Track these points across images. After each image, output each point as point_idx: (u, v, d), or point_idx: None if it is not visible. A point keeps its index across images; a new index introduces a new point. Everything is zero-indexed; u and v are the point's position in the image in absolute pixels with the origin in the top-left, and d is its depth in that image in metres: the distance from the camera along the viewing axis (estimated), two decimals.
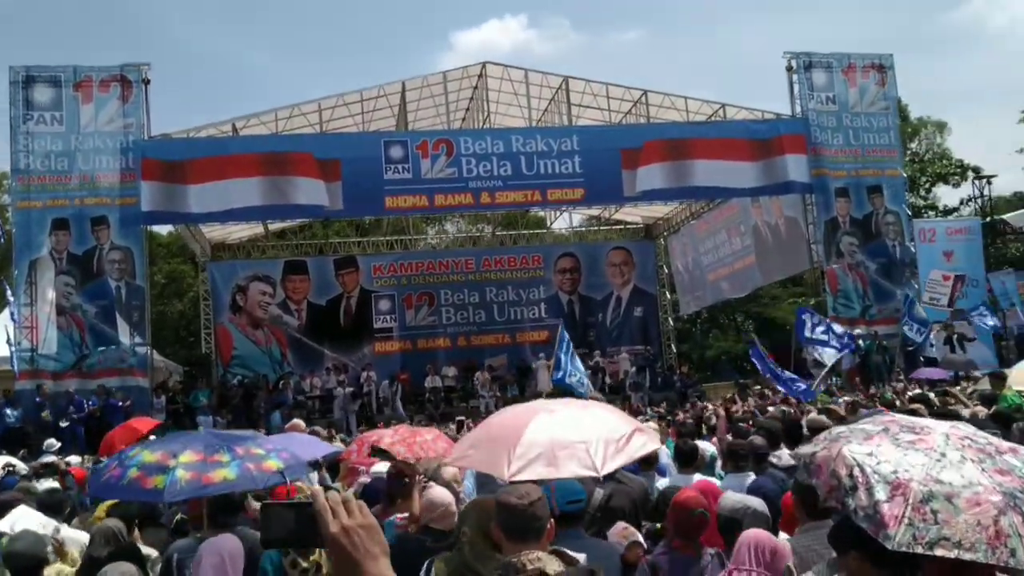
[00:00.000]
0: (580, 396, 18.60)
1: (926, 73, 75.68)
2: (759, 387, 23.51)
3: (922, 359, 21.63)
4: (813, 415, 9.58)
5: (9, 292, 21.16)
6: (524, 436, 4.74)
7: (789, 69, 24.24)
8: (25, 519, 5.80)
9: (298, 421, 13.76)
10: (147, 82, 21.86)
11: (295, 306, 28.78)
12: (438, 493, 5.84)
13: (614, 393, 25.55)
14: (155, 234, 31.07)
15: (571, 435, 4.70)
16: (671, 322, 32.87)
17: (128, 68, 21.83)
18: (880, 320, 23.46)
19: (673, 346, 32.55)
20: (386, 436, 7.86)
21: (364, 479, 7.65)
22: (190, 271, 37.05)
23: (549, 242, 33.52)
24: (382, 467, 7.74)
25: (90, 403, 20.14)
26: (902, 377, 19.67)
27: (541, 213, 37.48)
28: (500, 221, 34.64)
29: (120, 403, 20.19)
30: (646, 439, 4.82)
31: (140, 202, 21.02)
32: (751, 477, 6.77)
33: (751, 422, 10.16)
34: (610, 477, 5.66)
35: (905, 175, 25.79)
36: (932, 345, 22.05)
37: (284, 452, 5.98)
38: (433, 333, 29.78)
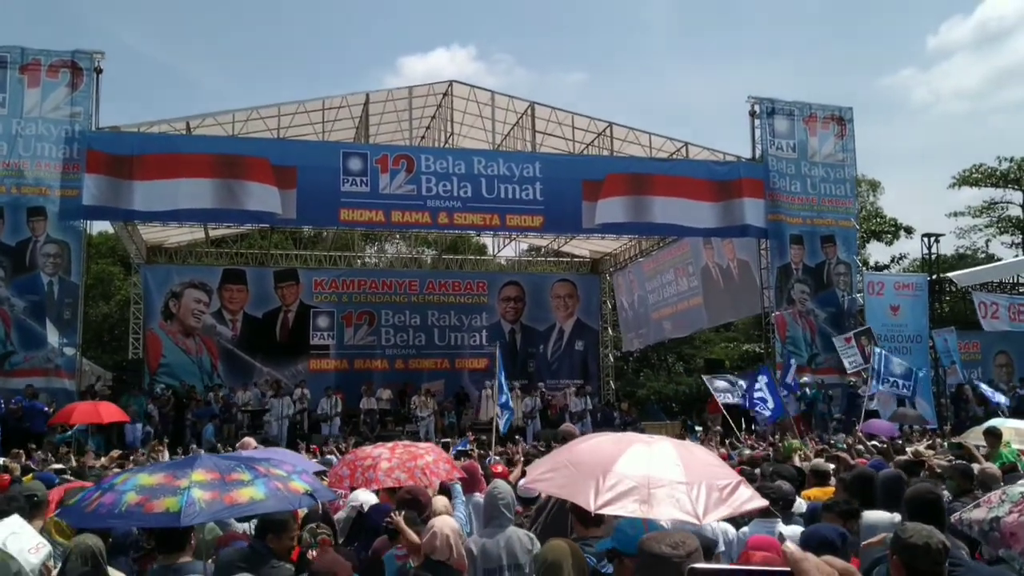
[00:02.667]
0: (507, 421, 18.14)
1: (861, 134, 77.98)
2: (701, 428, 23.51)
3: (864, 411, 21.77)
4: (818, 461, 9.30)
5: None
6: (616, 466, 4.28)
7: (752, 114, 24.44)
8: (21, 535, 5.09)
9: (249, 439, 12.92)
10: (99, 71, 20.90)
11: (230, 316, 27.75)
12: (440, 521, 5.34)
13: (552, 426, 25.12)
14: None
15: (671, 474, 4.24)
16: (611, 358, 32.70)
17: (80, 55, 20.85)
18: (826, 369, 23.63)
19: (612, 382, 32.36)
20: (383, 459, 7.24)
21: (356, 503, 7.07)
22: (119, 273, 35.66)
23: (494, 269, 33.14)
24: (361, 495, 7.20)
25: (12, 402, 18.90)
26: (858, 428, 19.72)
27: (483, 241, 37.23)
28: (444, 245, 34.14)
29: (44, 407, 18.98)
30: (752, 493, 4.37)
31: (82, 195, 19.96)
32: (778, 524, 6.40)
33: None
34: None
35: (858, 227, 26.14)
36: (871, 398, 22.23)
37: (304, 474, 5.41)
38: (371, 354, 29.03)
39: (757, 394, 17.87)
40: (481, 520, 6.33)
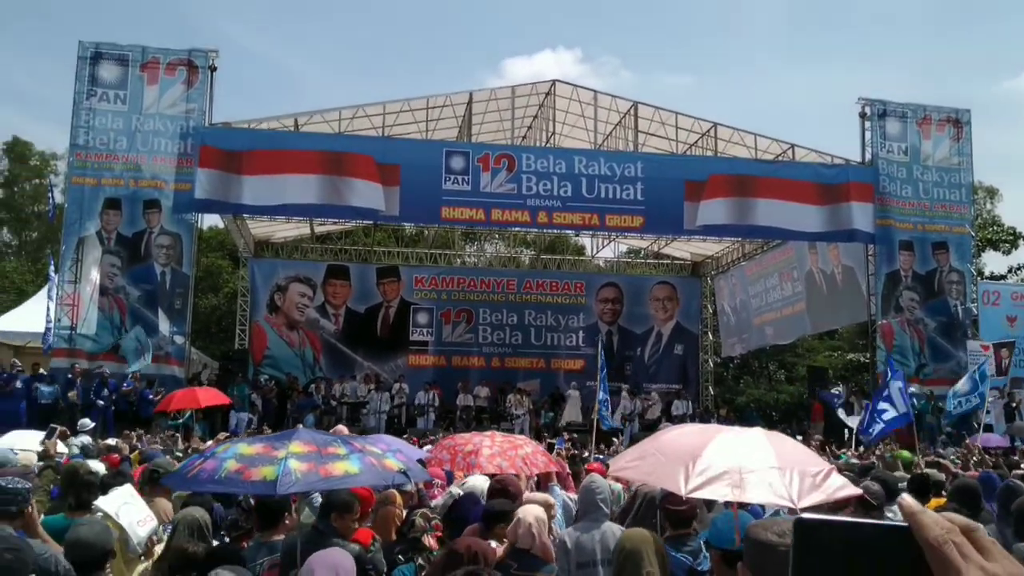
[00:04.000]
0: (602, 419, 18.04)
1: (978, 139, 74.87)
2: (801, 438, 22.84)
3: (976, 424, 20.87)
4: (931, 471, 8.93)
5: (52, 268, 20.79)
6: (706, 452, 4.19)
7: (862, 115, 23.71)
8: (132, 506, 5.26)
9: (341, 427, 13.14)
10: (213, 69, 21.61)
11: (333, 311, 28.31)
12: (525, 509, 5.27)
13: (649, 430, 24.85)
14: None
15: (762, 460, 4.14)
16: (711, 363, 32.18)
17: (196, 53, 21.59)
18: (935, 380, 22.71)
19: (711, 388, 31.83)
20: (484, 447, 7.24)
21: (455, 489, 7.06)
22: (227, 266, 36.75)
23: (592, 270, 32.99)
24: (477, 480, 7.15)
25: (125, 384, 19.68)
26: (970, 440, 18.92)
27: (582, 241, 37.10)
28: (543, 245, 34.16)
29: (151, 394, 19.68)
30: (845, 481, 4.24)
31: (194, 188, 20.62)
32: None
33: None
34: None
35: (973, 234, 25.09)
36: (988, 412, 21.30)
37: (399, 453, 5.43)
38: (468, 351, 29.23)
39: (881, 404, 16.80)
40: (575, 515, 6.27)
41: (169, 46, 21.69)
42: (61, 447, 11.26)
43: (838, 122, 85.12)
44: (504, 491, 6.20)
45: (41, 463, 8.83)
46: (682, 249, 31.67)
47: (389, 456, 5.24)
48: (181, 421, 18.70)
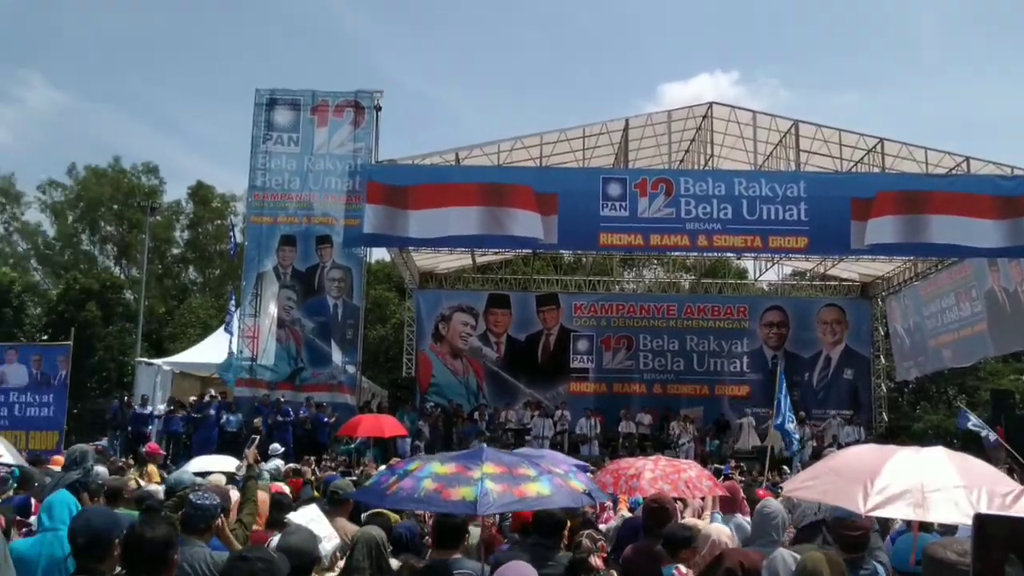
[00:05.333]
0: (790, 443, 17.62)
1: None
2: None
3: None
4: None
5: (233, 302, 22.16)
6: (885, 470, 4.10)
7: None
8: (319, 522, 5.59)
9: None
10: (379, 108, 22.60)
11: (495, 339, 28.81)
12: (717, 529, 5.24)
13: (814, 458, 23.98)
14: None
15: (946, 478, 4.00)
16: (884, 388, 30.80)
17: (362, 94, 22.64)
18: None
19: (884, 414, 30.45)
20: (646, 470, 7.26)
21: (624, 513, 7.12)
22: (394, 298, 38.08)
23: (756, 294, 32.27)
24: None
25: (302, 412, 20.69)
26: None
27: (744, 264, 36.36)
28: (703, 270, 33.71)
29: (327, 419, 20.62)
30: None
31: (363, 224, 21.54)
32: None
33: None
34: None
35: None
36: None
37: (579, 473, 5.55)
38: (629, 377, 29.07)
39: None
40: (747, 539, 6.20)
41: (337, 89, 22.86)
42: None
43: (1018, 132, 79.97)
44: (662, 510, 6.19)
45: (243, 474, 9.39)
46: (850, 270, 30.56)
47: (571, 476, 5.36)
48: (352, 447, 19.55)
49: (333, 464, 15.70)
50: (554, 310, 29.13)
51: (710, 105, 24.65)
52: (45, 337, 37.30)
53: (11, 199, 48.95)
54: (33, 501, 6.85)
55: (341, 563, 5.83)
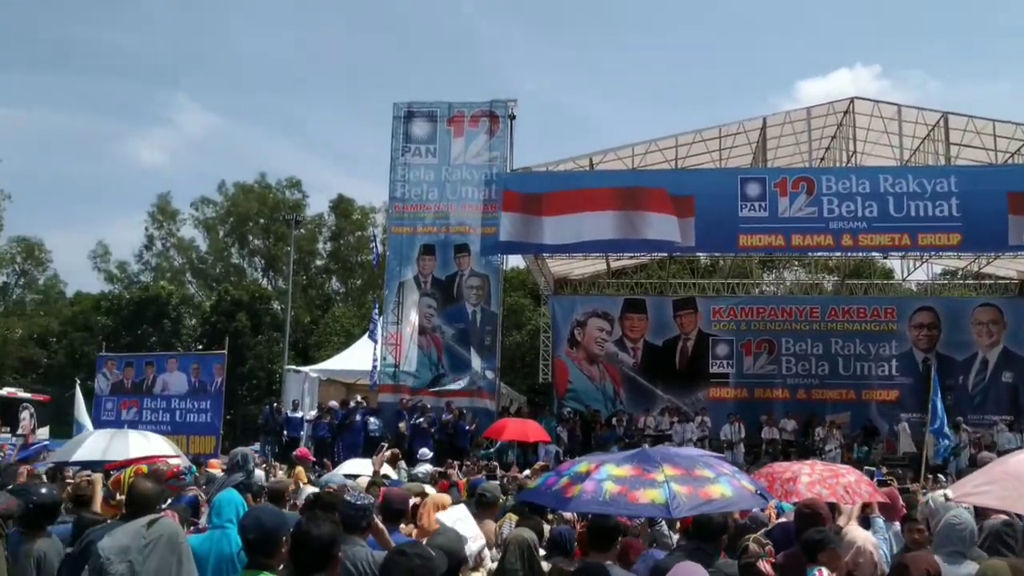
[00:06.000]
0: (944, 449, 16.82)
1: None
2: None
3: None
4: None
5: (377, 311, 22.79)
6: None
7: None
8: (466, 522, 5.69)
9: None
10: (513, 117, 22.86)
11: (632, 344, 28.56)
12: (864, 535, 5.03)
13: (972, 465, 22.79)
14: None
15: None
16: None
17: (496, 104, 22.94)
18: None
19: None
20: (803, 474, 7.06)
21: (784, 520, 6.92)
22: (529, 305, 38.36)
23: (904, 294, 30.95)
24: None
25: (442, 416, 21.08)
26: None
27: (891, 264, 34.96)
28: (847, 270, 32.58)
29: (468, 426, 20.93)
30: None
31: (499, 232, 21.80)
32: None
33: None
34: None
35: None
36: None
37: (745, 475, 5.46)
38: (771, 383, 28.27)
39: None
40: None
41: (472, 99, 23.25)
42: (391, 472, 12.29)
43: None
44: (815, 515, 6.01)
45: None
46: (1007, 267, 28.94)
47: (740, 477, 5.29)
48: (492, 451, 19.78)
49: (475, 468, 15.93)
50: (692, 314, 28.65)
51: (852, 100, 23.86)
52: (200, 346, 39.30)
53: (167, 217, 51.75)
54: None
55: (491, 564, 5.91)
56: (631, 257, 28.51)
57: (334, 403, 21.89)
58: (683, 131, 23.80)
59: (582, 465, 5.39)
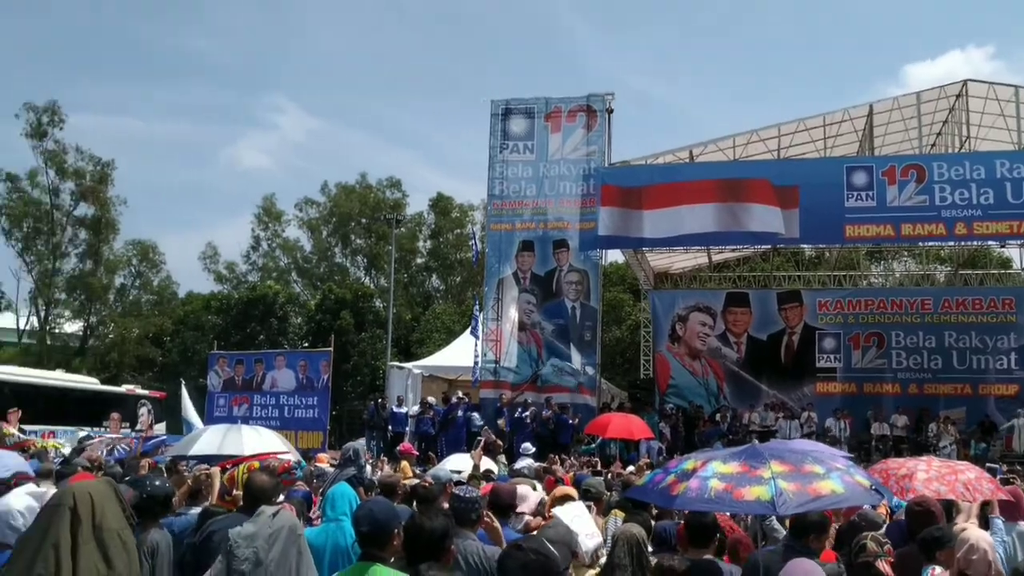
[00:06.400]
0: None
1: None
2: None
3: None
4: None
5: (477, 307, 22.96)
6: None
7: None
8: (583, 519, 5.68)
9: None
10: (610, 111, 22.73)
11: (735, 339, 28.07)
12: (978, 534, 4.81)
13: None
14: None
15: None
16: None
17: (594, 98, 22.84)
18: None
19: None
20: (919, 471, 6.81)
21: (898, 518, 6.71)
22: (628, 300, 38.09)
23: (1022, 284, 29.62)
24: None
25: (544, 412, 21.10)
26: None
27: (1008, 253, 33.50)
28: (960, 260, 31.35)
29: (570, 420, 20.91)
30: None
31: (598, 226, 21.71)
32: None
33: None
34: None
35: None
36: None
37: (859, 469, 5.30)
38: (880, 377, 27.39)
39: None
40: None
41: (568, 95, 23.20)
42: (491, 466, 12.37)
43: None
44: (928, 513, 5.81)
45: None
46: None
47: (852, 472, 5.15)
48: (594, 447, 19.72)
49: (578, 464, 15.89)
50: (797, 307, 27.99)
51: (964, 83, 22.94)
52: (306, 344, 40.28)
53: (273, 218, 53.16)
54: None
55: (603, 558, 5.88)
56: (733, 250, 28.07)
57: (431, 399, 22.17)
58: (786, 120, 23.29)
59: (689, 463, 5.32)
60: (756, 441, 6.56)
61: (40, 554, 2.77)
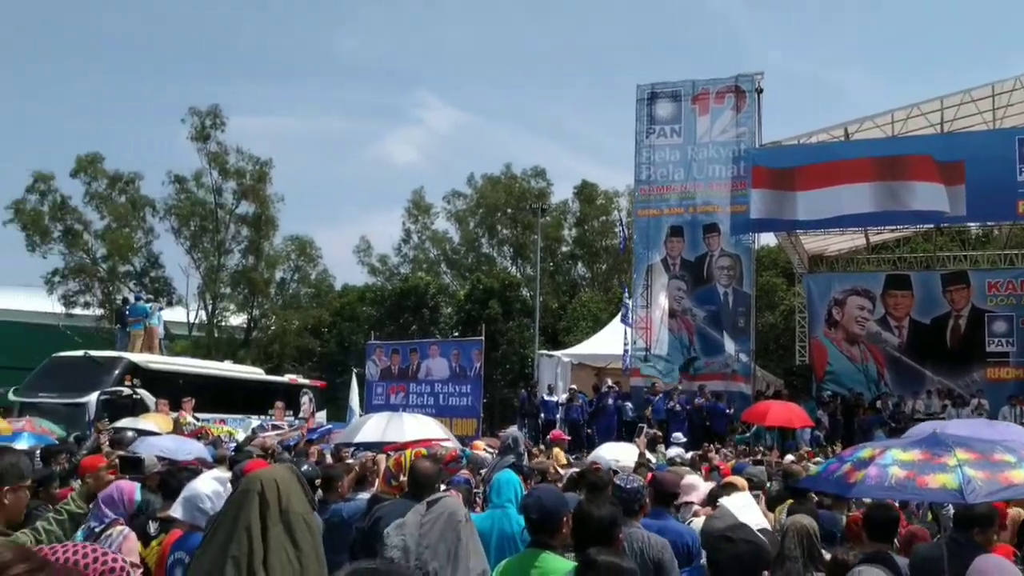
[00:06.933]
0: None
1: None
2: None
3: None
4: None
5: (627, 295, 22.82)
6: None
7: None
8: (748, 509, 5.58)
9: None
10: (760, 91, 22.14)
11: (896, 323, 26.86)
12: None
13: None
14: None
15: None
16: None
17: (742, 78, 22.30)
18: None
19: None
20: None
21: None
22: (781, 284, 37.03)
23: None
24: None
25: (696, 400, 20.81)
26: None
27: None
28: None
29: (726, 408, 20.56)
30: None
31: (749, 210, 21.19)
32: None
33: None
34: None
35: None
36: None
37: None
38: None
39: None
40: None
41: (715, 76, 22.70)
42: (650, 456, 12.29)
43: None
44: None
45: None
46: None
47: None
48: (748, 435, 19.31)
49: (734, 452, 15.62)
50: (963, 289, 26.52)
51: None
52: (456, 333, 41.00)
53: (422, 211, 54.28)
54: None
55: None
56: (893, 230, 26.84)
57: (574, 387, 22.19)
58: (949, 92, 22.05)
59: (866, 451, 5.12)
60: (936, 429, 6.19)
61: (234, 537, 2.92)
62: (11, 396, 19.05)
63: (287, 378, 26.79)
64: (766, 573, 3.64)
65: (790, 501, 6.52)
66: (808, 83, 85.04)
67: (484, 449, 11.82)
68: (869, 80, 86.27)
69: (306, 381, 27.80)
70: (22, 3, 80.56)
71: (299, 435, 13.32)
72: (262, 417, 20.99)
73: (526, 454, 9.50)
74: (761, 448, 16.73)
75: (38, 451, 8.76)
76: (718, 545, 3.72)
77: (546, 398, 22.11)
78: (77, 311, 42.84)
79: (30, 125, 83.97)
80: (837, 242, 28.10)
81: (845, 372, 27.00)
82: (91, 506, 4.43)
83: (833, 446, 19.10)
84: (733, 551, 3.59)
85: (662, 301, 22.40)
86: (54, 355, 21.12)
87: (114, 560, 2.86)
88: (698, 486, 6.48)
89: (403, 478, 6.11)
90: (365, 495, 6.54)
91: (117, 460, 3.95)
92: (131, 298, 25.66)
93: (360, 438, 9.80)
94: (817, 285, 27.83)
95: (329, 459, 9.70)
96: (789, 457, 13.31)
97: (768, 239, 29.96)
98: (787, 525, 5.35)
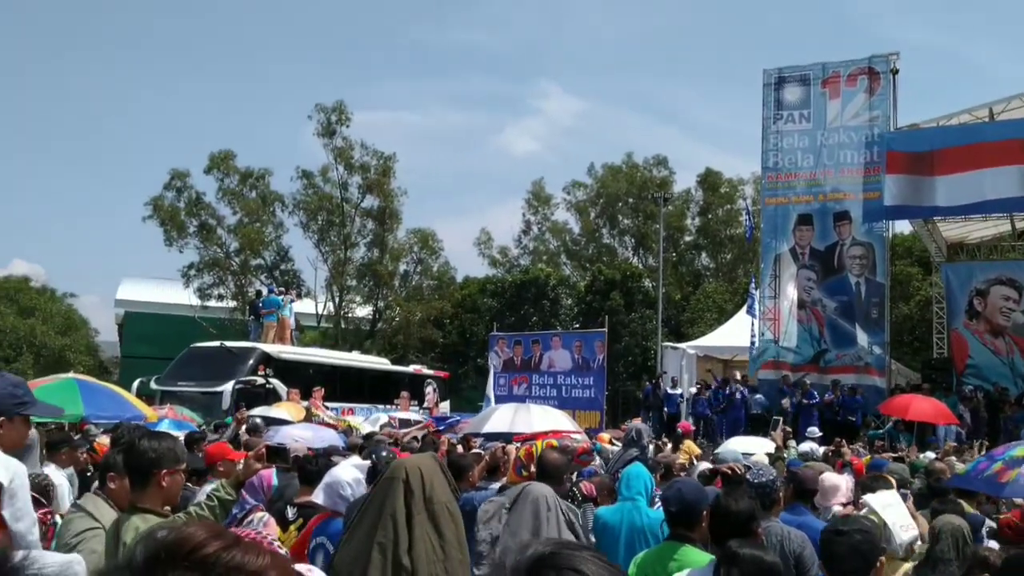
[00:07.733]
0: None
1: None
2: None
3: None
4: None
5: (753, 285, 22.26)
6: None
7: None
8: (896, 508, 5.33)
9: None
10: (895, 72, 21.22)
11: None
12: None
13: None
14: None
15: None
16: None
17: (876, 59, 21.43)
18: None
19: None
20: None
21: None
22: (916, 273, 35.54)
23: None
24: None
25: (827, 395, 20.17)
26: None
27: None
28: None
29: (860, 399, 19.86)
30: None
31: (883, 196, 20.35)
32: None
33: None
34: None
35: None
36: None
37: None
38: None
39: None
40: None
41: (846, 58, 21.86)
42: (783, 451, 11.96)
43: None
44: None
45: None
46: None
47: None
48: (882, 431, 18.58)
49: (869, 448, 15.05)
50: None
51: None
52: (577, 325, 40.92)
53: (542, 202, 54.33)
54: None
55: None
56: None
57: (703, 380, 21.78)
58: None
59: (1018, 449, 4.84)
60: None
61: (379, 524, 2.96)
62: (152, 384, 19.94)
63: (412, 368, 27.21)
64: (882, 559, 3.50)
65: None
66: (947, 62, 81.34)
67: (610, 441, 11.74)
68: (1015, 56, 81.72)
69: (430, 371, 28.21)
70: (158, 10, 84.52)
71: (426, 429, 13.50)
72: (387, 407, 21.42)
73: (650, 447, 9.37)
74: (902, 444, 16.05)
75: (181, 437, 9.11)
76: (831, 539, 3.62)
77: (669, 391, 21.83)
78: (211, 303, 44.60)
79: (167, 124, 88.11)
80: (979, 228, 26.72)
81: (988, 365, 25.63)
82: None
83: (976, 444, 18.20)
84: (849, 542, 3.49)
85: (790, 292, 21.75)
86: (192, 346, 22.01)
87: (270, 544, 2.92)
88: (840, 487, 6.23)
89: (533, 468, 6.09)
90: (495, 485, 6.55)
91: (264, 449, 4.05)
92: (264, 291, 26.54)
93: (488, 428, 9.86)
94: (956, 274, 26.49)
95: (460, 449, 9.79)
96: (928, 454, 12.72)
97: (902, 227, 28.76)
98: (940, 526, 5.10)
